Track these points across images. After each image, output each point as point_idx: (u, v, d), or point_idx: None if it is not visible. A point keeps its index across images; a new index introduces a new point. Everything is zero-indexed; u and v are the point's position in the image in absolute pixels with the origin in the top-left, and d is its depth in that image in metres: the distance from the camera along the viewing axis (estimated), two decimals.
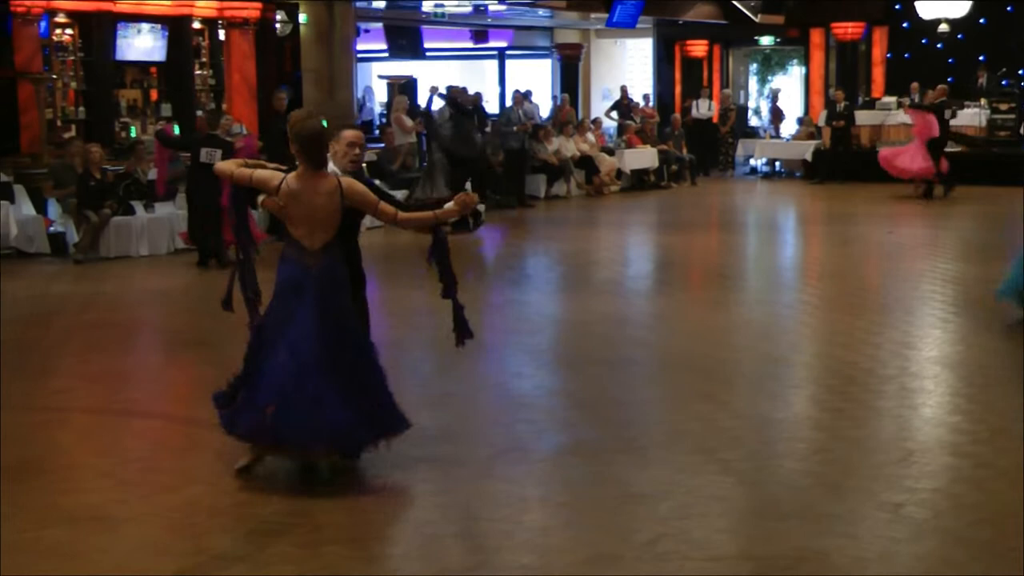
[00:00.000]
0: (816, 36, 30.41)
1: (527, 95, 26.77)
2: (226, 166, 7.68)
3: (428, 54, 30.03)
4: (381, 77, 30.73)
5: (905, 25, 28.95)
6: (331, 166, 7.61)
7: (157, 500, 7.10)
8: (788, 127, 29.75)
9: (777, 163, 29.08)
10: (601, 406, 9.12)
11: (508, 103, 26.99)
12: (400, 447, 7.93)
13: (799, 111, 30.47)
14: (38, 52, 19.30)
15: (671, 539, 6.33)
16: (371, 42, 28.79)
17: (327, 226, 7.24)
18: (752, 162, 29.64)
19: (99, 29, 20.17)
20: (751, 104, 32.82)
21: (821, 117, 28.08)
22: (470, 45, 31.84)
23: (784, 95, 30.83)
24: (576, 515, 6.82)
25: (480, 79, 30.21)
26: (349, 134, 8.01)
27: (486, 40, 31.89)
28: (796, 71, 32.21)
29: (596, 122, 27.61)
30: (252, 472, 7.33)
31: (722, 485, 7.25)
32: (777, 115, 29.82)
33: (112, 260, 16.67)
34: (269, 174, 7.38)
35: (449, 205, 7.62)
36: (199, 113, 18.72)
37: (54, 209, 17.34)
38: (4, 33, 18.83)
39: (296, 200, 7.20)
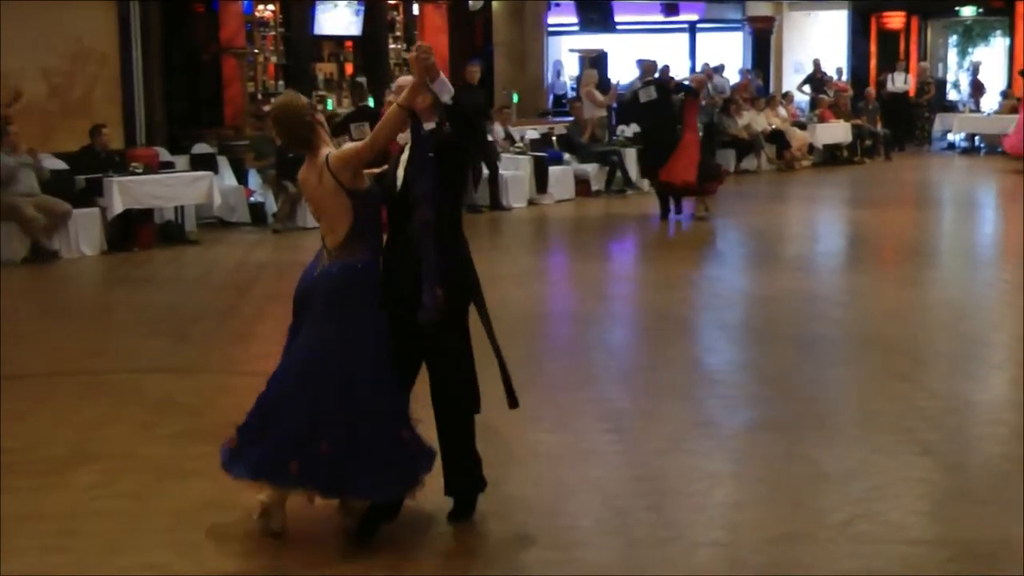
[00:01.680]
0: (1021, 7, 29.35)
1: (718, 69, 26.52)
2: None
3: (619, 27, 29.87)
4: (572, 51, 30.67)
5: None
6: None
7: None
8: (989, 101, 28.97)
9: (976, 138, 28.35)
10: (792, 383, 9.02)
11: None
12: (590, 421, 7.99)
13: (1001, 84, 29.57)
14: (241, 28, 19.80)
15: (865, 520, 6.21)
16: (562, 15, 28.76)
17: (334, 217, 5.97)
18: (950, 137, 28.97)
19: (299, 5, 20.58)
20: (950, 77, 31.99)
21: None
22: (661, 18, 31.54)
23: (985, 68, 30.04)
24: (767, 492, 6.74)
25: (670, 53, 29.93)
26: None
27: (677, 13, 31.56)
28: (999, 43, 31.24)
29: (787, 96, 27.25)
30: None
31: (919, 467, 7.11)
32: (978, 89, 29.07)
33: (309, 230, 16.90)
34: None
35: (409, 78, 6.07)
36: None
37: (254, 180, 17.73)
38: (211, 10, 19.30)
39: (305, 191, 6.23)
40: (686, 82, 18.08)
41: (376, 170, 6.21)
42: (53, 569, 5.69)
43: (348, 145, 6.03)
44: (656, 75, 18.68)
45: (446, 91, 5.85)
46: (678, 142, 16.94)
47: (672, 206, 17.37)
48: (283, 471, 5.84)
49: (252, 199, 17.62)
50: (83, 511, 6.44)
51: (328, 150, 5.97)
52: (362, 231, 5.98)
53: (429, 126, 5.95)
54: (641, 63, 22.90)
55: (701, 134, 17.48)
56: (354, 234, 5.95)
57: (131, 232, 15.56)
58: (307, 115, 6.03)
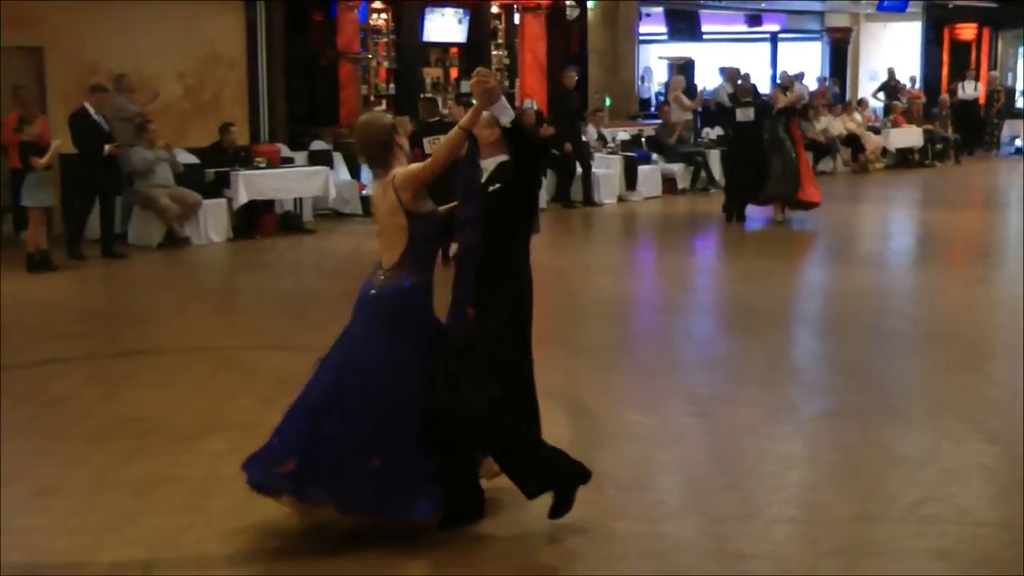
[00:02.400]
0: None
1: (798, 76, 26.22)
2: None
3: (705, 37, 29.72)
4: (661, 58, 30.54)
5: None
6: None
7: None
8: None
9: None
10: (866, 372, 8.94)
11: (778, 82, 26.51)
12: (677, 404, 7.97)
13: None
14: (356, 35, 19.91)
15: (935, 503, 6.15)
16: (652, 25, 28.64)
17: (392, 236, 5.67)
18: (1018, 143, 28.51)
19: (409, 13, 20.66)
20: (1019, 86, 31.39)
21: None
22: (744, 28, 31.35)
23: None
24: (842, 474, 6.71)
25: (753, 61, 29.69)
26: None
27: (760, 24, 31.35)
28: None
29: (862, 102, 26.96)
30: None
31: (987, 454, 7.02)
32: None
33: None
34: None
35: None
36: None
37: (366, 174, 17.81)
38: (329, 18, 19.44)
39: (373, 209, 5.91)
40: (784, 104, 17.32)
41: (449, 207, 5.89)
42: (188, 527, 5.79)
43: (414, 165, 5.69)
44: (739, 85, 18.24)
45: (506, 115, 5.55)
46: (768, 161, 16.60)
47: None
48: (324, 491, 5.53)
49: (364, 192, 17.70)
50: (213, 476, 6.54)
51: (399, 169, 5.68)
52: (416, 254, 5.66)
53: (500, 159, 5.66)
54: (724, 71, 22.79)
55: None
56: (407, 256, 5.65)
57: (254, 221, 15.75)
58: (385, 135, 5.76)
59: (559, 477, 5.79)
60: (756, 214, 17.07)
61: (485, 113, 5.55)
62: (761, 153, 16.57)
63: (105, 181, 14.15)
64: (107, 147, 13.89)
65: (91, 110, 13.96)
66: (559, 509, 5.76)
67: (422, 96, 17.63)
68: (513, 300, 5.66)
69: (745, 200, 16.92)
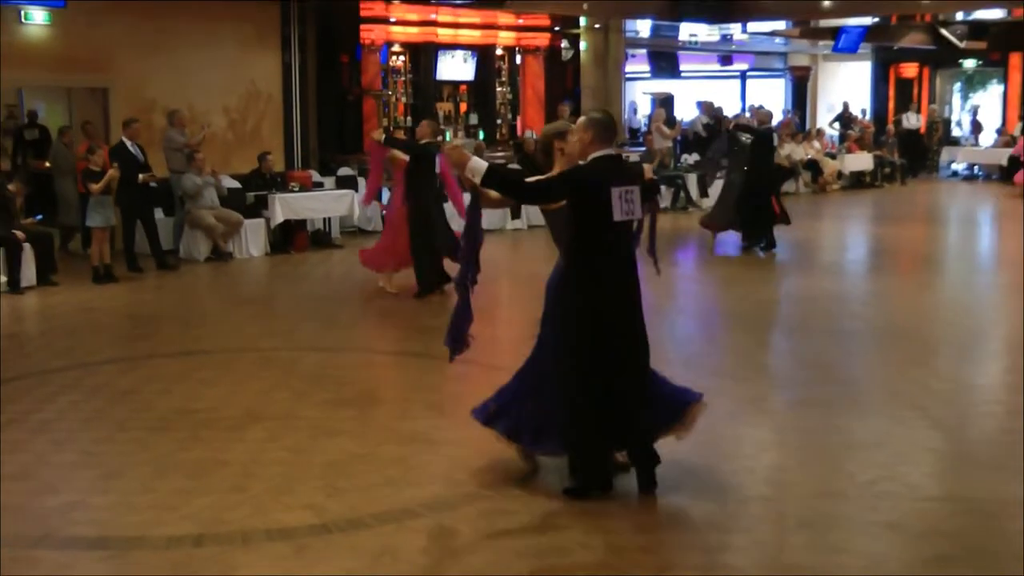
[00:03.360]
0: (1014, 59, 29.00)
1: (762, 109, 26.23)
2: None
3: (683, 74, 29.77)
4: (645, 93, 30.57)
5: None
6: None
7: (468, 429, 7.19)
8: (986, 137, 28.50)
9: (976, 167, 27.93)
10: (828, 367, 8.93)
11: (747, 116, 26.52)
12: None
13: (997, 123, 29.07)
14: (378, 74, 19.95)
15: (888, 481, 6.14)
16: (637, 64, 28.67)
17: (554, 227, 5.98)
18: (954, 166, 28.50)
19: (425, 55, 20.70)
20: (954, 117, 31.39)
21: (1016, 128, 26.96)
22: (718, 67, 31.41)
23: (983, 110, 29.66)
24: (807, 457, 6.69)
25: (725, 95, 29.70)
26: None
27: (731, 63, 31.41)
28: (995, 89, 30.63)
29: (821, 131, 26.96)
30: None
31: (933, 438, 7.01)
32: (977, 127, 28.71)
33: None
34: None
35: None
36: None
37: (387, 196, 17.81)
38: (354, 60, 19.46)
39: None
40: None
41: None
42: (234, 506, 5.78)
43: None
44: (757, 110, 17.47)
45: (477, 174, 5.67)
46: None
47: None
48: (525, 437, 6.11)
49: (384, 212, 17.71)
50: (256, 460, 6.54)
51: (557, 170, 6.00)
52: (558, 243, 6.07)
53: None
54: (701, 104, 22.77)
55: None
56: (563, 241, 5.97)
57: (289, 238, 15.74)
58: (546, 141, 6.29)
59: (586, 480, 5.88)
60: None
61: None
62: (769, 180, 15.76)
63: (141, 205, 14.12)
64: (141, 176, 13.88)
65: (128, 142, 13.92)
66: (574, 492, 5.85)
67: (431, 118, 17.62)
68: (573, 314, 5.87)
69: (766, 227, 15.40)
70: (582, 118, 6.02)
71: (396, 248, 12.04)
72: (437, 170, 12.18)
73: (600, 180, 5.75)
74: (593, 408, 5.80)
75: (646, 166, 6.30)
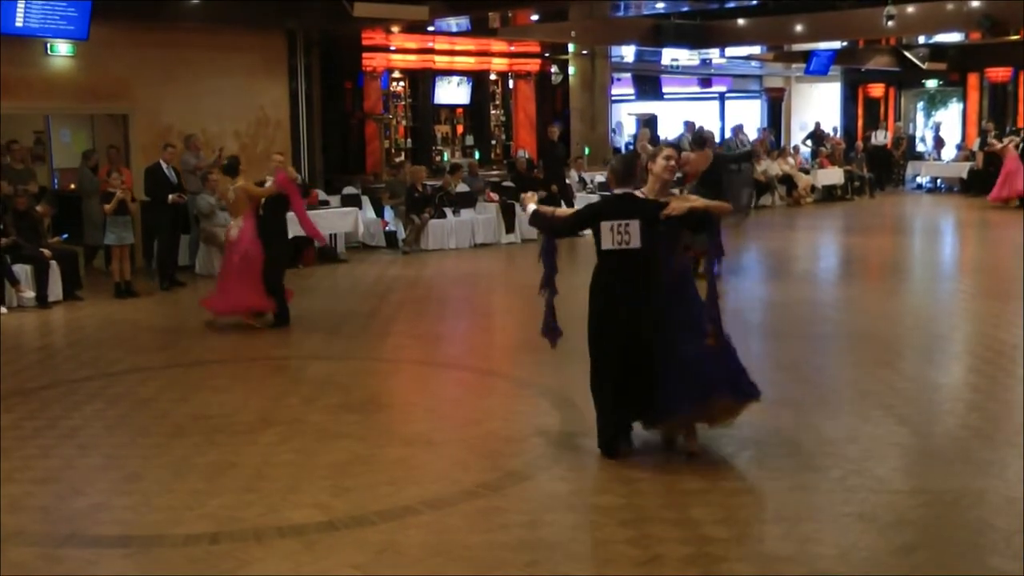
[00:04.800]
0: (972, 79, 29.10)
1: (741, 127, 26.38)
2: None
3: (665, 96, 29.86)
4: (630, 114, 30.64)
5: None
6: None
7: (465, 430, 7.27)
8: (948, 152, 28.53)
9: (938, 180, 27.95)
10: (801, 369, 8.95)
11: (727, 135, 26.60)
12: None
13: (957, 139, 29.15)
14: (380, 99, 19.97)
15: (857, 475, 6.17)
16: (622, 87, 28.77)
17: None
18: (918, 179, 28.52)
19: (423, 81, 20.73)
20: (918, 134, 31.44)
21: (975, 143, 26.96)
22: (698, 89, 31.51)
23: (945, 126, 29.71)
24: (781, 453, 6.70)
25: (705, 115, 29.79)
26: (668, 151, 6.83)
27: (710, 85, 31.51)
28: (955, 107, 30.69)
29: (795, 148, 27.01)
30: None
31: (899, 434, 7.04)
32: (939, 143, 28.72)
33: (431, 251, 17.10)
34: None
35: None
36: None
37: (389, 213, 17.86)
38: (357, 86, 19.49)
39: None
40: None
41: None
42: (247, 505, 5.79)
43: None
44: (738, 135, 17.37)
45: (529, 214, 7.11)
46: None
47: None
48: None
49: (387, 228, 17.75)
50: (267, 462, 6.56)
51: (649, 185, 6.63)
52: None
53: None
54: (687, 123, 22.81)
55: None
56: None
57: (297, 253, 15.72)
58: (646, 164, 6.72)
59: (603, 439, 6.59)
60: None
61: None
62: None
63: (167, 223, 14.14)
64: (171, 196, 13.89)
65: (164, 165, 13.98)
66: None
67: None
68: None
69: None
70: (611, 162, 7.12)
71: (247, 285, 10.99)
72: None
73: (600, 215, 6.60)
74: (604, 385, 6.56)
75: (675, 204, 6.45)
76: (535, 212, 6.92)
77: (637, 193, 6.57)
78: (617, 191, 6.66)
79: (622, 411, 6.57)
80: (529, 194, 7.45)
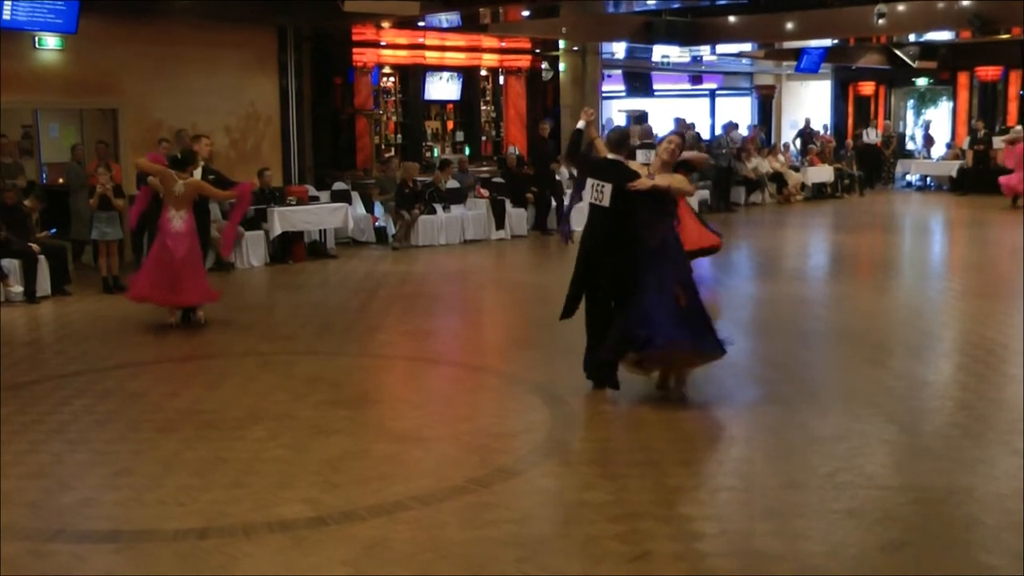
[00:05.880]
0: (962, 78, 29.20)
1: (734, 125, 26.40)
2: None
3: (656, 93, 29.84)
4: (620, 111, 30.63)
5: None
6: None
7: (456, 426, 7.28)
8: (938, 150, 28.66)
9: (928, 178, 28.04)
10: (790, 366, 8.97)
11: (718, 133, 26.63)
12: (636, 396, 7.99)
13: (947, 137, 29.23)
14: (370, 95, 19.89)
15: (847, 472, 6.19)
16: (613, 84, 28.72)
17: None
18: (908, 178, 28.61)
19: (414, 77, 20.67)
20: (908, 132, 31.54)
21: (965, 142, 27.09)
22: (689, 86, 31.51)
23: (935, 125, 29.81)
24: (771, 450, 6.73)
25: (696, 112, 29.81)
26: (674, 137, 8.09)
27: (701, 83, 31.52)
28: (945, 105, 30.78)
29: (785, 146, 27.07)
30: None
31: (888, 432, 7.06)
32: (929, 141, 28.84)
33: (420, 247, 17.10)
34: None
35: None
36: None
37: (379, 209, 17.85)
38: (347, 82, 19.45)
39: None
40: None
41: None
42: (236, 500, 5.79)
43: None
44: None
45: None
46: None
47: None
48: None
49: (377, 224, 17.74)
50: (257, 457, 6.55)
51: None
52: None
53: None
54: (678, 120, 22.79)
55: None
56: None
57: (287, 249, 15.74)
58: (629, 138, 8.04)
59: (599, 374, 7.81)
60: None
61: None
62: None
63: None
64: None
65: None
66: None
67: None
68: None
69: None
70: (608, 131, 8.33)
71: (198, 279, 10.97)
72: None
73: (589, 172, 7.82)
74: (591, 320, 7.82)
75: (642, 180, 7.57)
76: (578, 129, 8.22)
77: (630, 163, 7.72)
78: (609, 156, 7.74)
79: (607, 345, 7.58)
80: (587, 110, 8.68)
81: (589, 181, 7.69)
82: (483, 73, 22.07)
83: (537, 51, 22.53)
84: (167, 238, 10.70)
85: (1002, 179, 22.83)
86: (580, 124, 8.23)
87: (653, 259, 7.45)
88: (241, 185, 11.34)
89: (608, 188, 7.57)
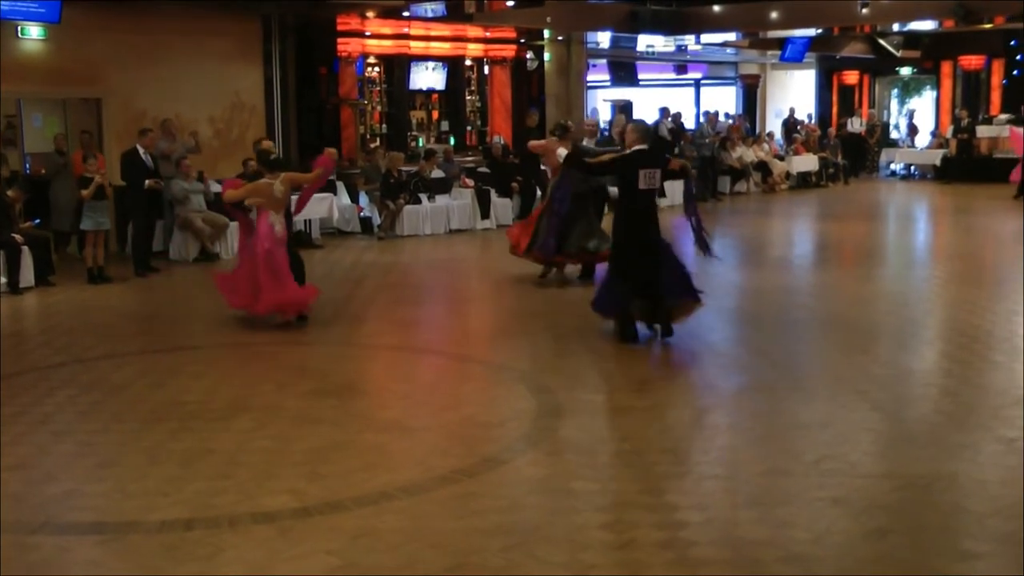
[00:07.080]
0: (946, 67, 29.37)
1: (717, 114, 26.40)
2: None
3: (641, 83, 29.81)
4: (605, 100, 30.60)
5: (1020, 58, 27.50)
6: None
7: (442, 416, 7.27)
8: (922, 139, 28.69)
9: (912, 167, 28.08)
10: (775, 354, 8.98)
11: (702, 121, 26.63)
12: (623, 383, 7.99)
13: (931, 126, 29.33)
14: (355, 85, 19.82)
15: (832, 460, 6.20)
16: (598, 73, 28.67)
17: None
18: (892, 167, 28.64)
19: (398, 67, 20.60)
20: (892, 121, 31.60)
21: (949, 131, 27.16)
22: (673, 76, 31.48)
23: (919, 114, 29.90)
24: (756, 438, 6.74)
25: (681, 102, 29.79)
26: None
27: (686, 72, 31.49)
28: (929, 94, 30.89)
29: (770, 135, 27.08)
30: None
31: (873, 419, 7.07)
32: (913, 130, 28.86)
33: (405, 237, 17.05)
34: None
35: None
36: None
37: (364, 199, 17.79)
38: (332, 72, 19.38)
39: None
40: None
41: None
42: (221, 491, 5.76)
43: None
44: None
45: (560, 158, 10.50)
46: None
47: None
48: None
49: (362, 214, 17.68)
50: (242, 448, 6.52)
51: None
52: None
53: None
54: (663, 110, 22.80)
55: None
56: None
57: None
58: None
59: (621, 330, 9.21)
60: None
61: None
62: None
63: (144, 209, 14.02)
64: (148, 182, 13.76)
65: (141, 150, 13.83)
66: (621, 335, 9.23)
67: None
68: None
69: None
70: (630, 125, 9.86)
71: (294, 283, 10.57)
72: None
73: (635, 164, 9.09)
74: (626, 288, 9.14)
75: (675, 161, 9.90)
76: (568, 156, 10.06)
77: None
78: (638, 147, 9.15)
79: (636, 302, 9.15)
80: (560, 150, 10.70)
81: (642, 172, 9.00)
82: (468, 63, 22.01)
83: (522, 41, 22.48)
84: (272, 244, 10.31)
85: (1012, 176, 22.51)
86: (562, 152, 10.45)
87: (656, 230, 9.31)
88: (321, 158, 11.31)
89: (658, 173, 9.19)
